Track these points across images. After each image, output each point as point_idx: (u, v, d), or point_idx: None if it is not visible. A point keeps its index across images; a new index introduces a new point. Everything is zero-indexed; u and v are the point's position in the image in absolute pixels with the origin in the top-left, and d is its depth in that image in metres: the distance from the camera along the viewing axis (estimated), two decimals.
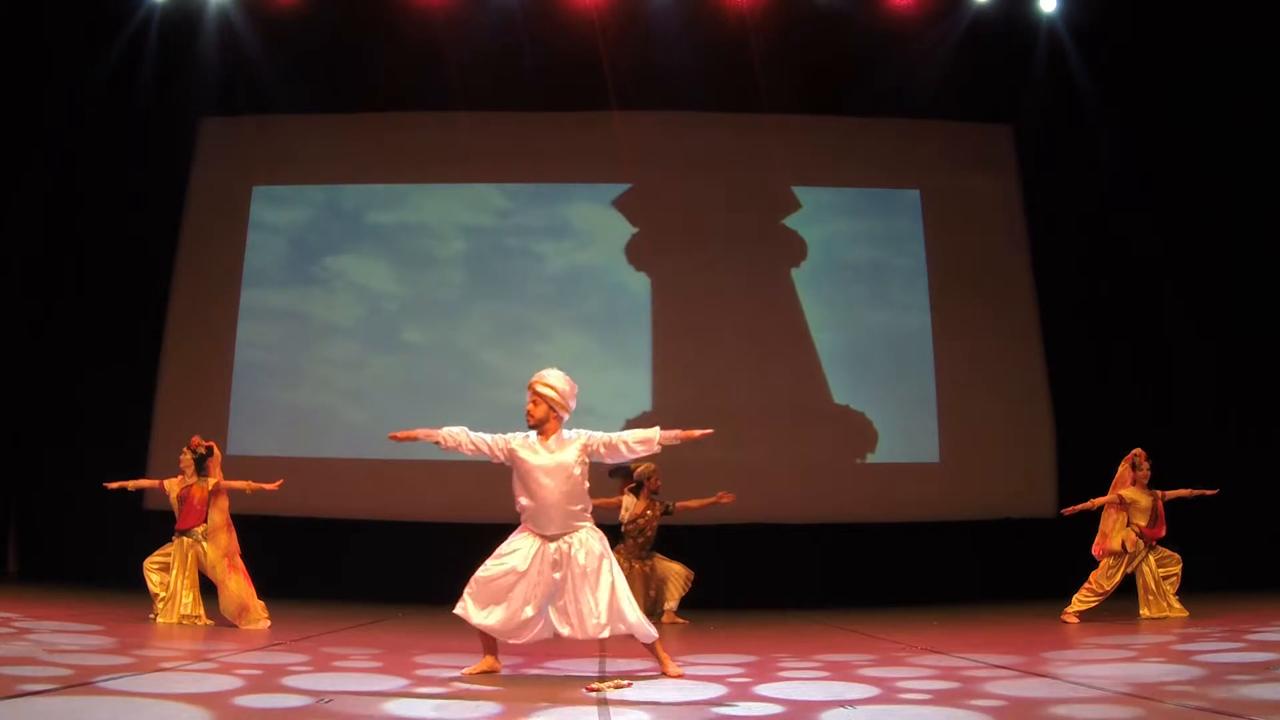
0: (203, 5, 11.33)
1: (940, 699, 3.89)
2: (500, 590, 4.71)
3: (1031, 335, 11.52)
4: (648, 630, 4.72)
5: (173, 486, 7.37)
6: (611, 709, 3.73)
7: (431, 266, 11.86)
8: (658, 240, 11.81)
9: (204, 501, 7.26)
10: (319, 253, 11.87)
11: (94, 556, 10.42)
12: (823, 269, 11.78)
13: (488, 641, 4.83)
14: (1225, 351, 11.01)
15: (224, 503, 7.35)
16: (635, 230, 11.85)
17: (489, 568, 4.78)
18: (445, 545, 10.36)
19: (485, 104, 11.63)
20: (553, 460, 4.77)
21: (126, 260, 11.33)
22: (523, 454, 4.82)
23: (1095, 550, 7.94)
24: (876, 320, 11.70)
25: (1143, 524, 7.79)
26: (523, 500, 4.83)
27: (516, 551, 4.76)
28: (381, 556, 10.44)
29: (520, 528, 4.89)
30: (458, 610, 4.77)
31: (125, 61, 11.30)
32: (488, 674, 4.71)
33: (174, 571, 7.15)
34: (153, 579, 7.18)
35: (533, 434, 4.89)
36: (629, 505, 8.96)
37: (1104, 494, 7.92)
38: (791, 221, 11.90)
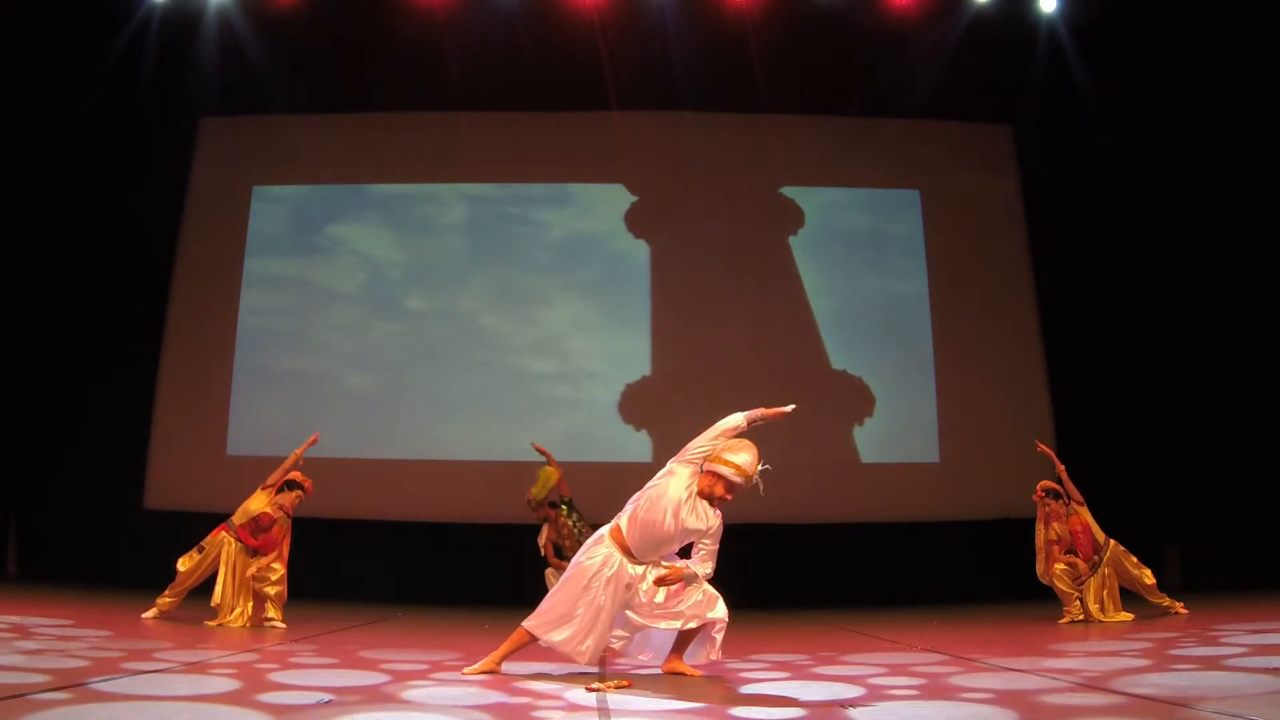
0: (203, 5, 11.36)
1: (925, 693, 3.90)
2: (588, 621, 4.61)
3: (1031, 335, 11.54)
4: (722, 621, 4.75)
5: (265, 498, 7.12)
6: (612, 709, 3.73)
7: (433, 233, 11.96)
8: (657, 209, 11.93)
9: (278, 541, 7.11)
10: (321, 221, 11.96)
11: (94, 556, 10.43)
12: (823, 252, 11.87)
13: (512, 651, 4.74)
14: (1225, 350, 11.01)
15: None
16: (635, 199, 11.97)
17: (578, 601, 4.62)
18: (445, 545, 10.42)
19: (485, 104, 11.67)
20: (690, 518, 4.63)
21: (126, 260, 11.35)
22: (677, 484, 4.65)
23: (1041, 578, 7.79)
24: (876, 311, 11.72)
25: (1082, 552, 7.69)
26: (625, 516, 4.69)
27: (600, 575, 4.63)
28: (381, 557, 10.41)
29: (604, 538, 4.73)
30: (553, 642, 4.61)
31: (125, 61, 11.33)
32: (488, 673, 4.71)
33: (224, 579, 6.95)
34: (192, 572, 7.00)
35: (697, 472, 4.69)
36: (551, 526, 8.41)
37: (1078, 502, 7.78)
38: (791, 222, 11.94)
